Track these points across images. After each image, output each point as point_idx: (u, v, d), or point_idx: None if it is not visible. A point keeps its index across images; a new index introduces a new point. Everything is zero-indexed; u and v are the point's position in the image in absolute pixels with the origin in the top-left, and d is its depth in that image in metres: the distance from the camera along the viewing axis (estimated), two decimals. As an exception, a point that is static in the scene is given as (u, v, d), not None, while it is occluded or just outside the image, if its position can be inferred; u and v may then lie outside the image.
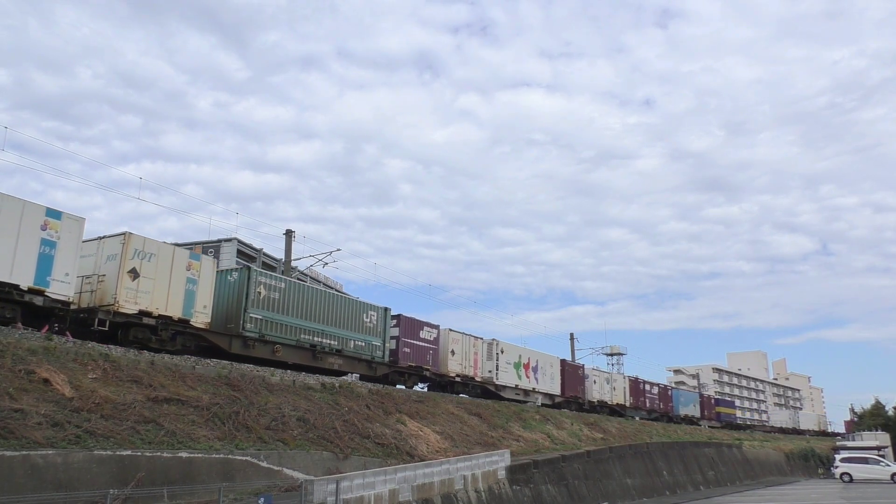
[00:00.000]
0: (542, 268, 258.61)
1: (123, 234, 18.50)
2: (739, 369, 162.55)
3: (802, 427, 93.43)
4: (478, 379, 34.00)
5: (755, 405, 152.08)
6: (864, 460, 46.94)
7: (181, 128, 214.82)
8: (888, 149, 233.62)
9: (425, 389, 30.89)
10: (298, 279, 32.38)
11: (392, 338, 28.52)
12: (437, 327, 31.62)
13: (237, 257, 47.12)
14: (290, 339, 23.09)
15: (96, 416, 13.24)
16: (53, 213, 16.76)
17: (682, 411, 60.04)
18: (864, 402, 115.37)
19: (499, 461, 22.56)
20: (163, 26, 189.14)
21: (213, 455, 14.19)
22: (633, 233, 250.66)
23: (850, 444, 65.23)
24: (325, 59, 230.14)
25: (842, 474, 46.43)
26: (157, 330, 19.06)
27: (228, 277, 22.16)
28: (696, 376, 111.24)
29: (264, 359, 21.99)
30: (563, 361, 42.67)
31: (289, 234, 32.90)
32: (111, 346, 17.06)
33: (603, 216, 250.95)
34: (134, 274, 18.42)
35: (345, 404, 21.13)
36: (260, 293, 22.12)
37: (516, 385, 36.71)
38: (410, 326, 29.84)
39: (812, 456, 67.57)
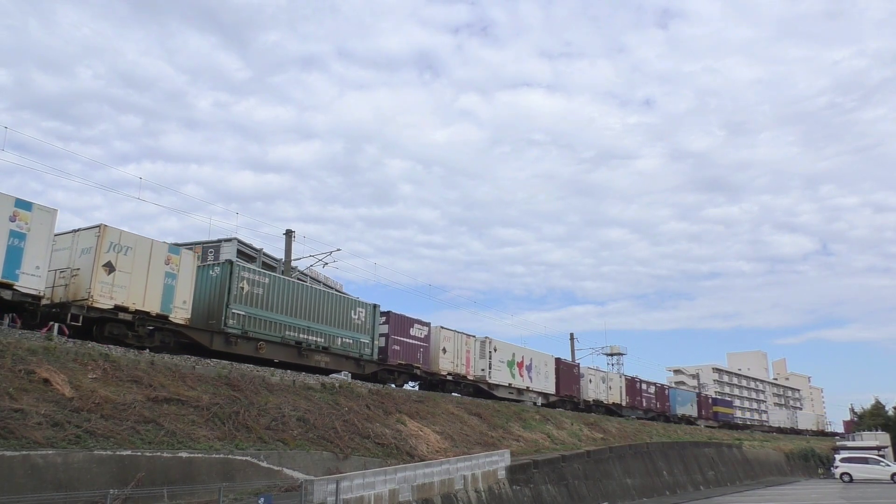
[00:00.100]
0: (542, 268, 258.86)
1: (98, 226, 17.88)
2: (739, 369, 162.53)
3: (801, 427, 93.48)
4: (470, 377, 33.53)
5: (755, 405, 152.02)
6: (864, 460, 46.94)
7: (181, 128, 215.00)
8: (888, 149, 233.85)
9: (416, 388, 30.52)
10: (299, 279, 32.38)
11: (381, 335, 28.04)
12: (427, 324, 31.10)
13: (237, 257, 47.10)
14: (275, 336, 22.57)
15: (96, 416, 13.24)
16: (23, 204, 16.09)
17: (680, 411, 59.93)
18: (864, 402, 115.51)
19: (499, 461, 22.55)
20: (163, 26, 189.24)
21: (213, 455, 14.19)
22: (633, 233, 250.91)
23: (850, 444, 65.21)
24: (326, 59, 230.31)
25: (842, 474, 46.43)
26: (134, 326, 18.46)
27: (210, 272, 21.62)
28: (696, 376, 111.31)
29: (247, 356, 21.47)
30: (557, 360, 42.25)
31: (289, 234, 32.90)
32: (111, 346, 17.03)
33: (603, 216, 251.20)
34: (109, 268, 17.84)
35: (345, 404, 21.13)
36: (243, 288, 21.54)
37: (510, 384, 36.26)
38: (400, 323, 29.36)
39: (812, 456, 67.57)
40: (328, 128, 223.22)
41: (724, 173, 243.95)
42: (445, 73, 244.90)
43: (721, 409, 73.15)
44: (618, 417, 45.72)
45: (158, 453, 13.16)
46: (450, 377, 32.02)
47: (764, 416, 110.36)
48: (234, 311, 21.16)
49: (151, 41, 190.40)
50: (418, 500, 17.81)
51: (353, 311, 26.31)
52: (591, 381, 46.20)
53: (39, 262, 16.35)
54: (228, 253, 45.84)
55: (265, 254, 50.79)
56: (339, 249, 36.41)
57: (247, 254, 49.11)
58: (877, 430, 75.37)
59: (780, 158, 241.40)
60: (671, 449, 40.47)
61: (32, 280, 16.15)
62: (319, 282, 51.40)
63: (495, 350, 35.25)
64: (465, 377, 33.15)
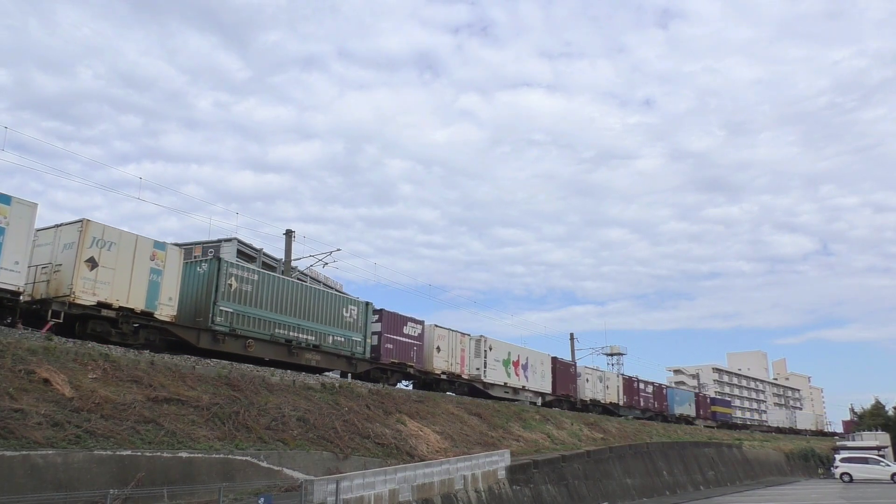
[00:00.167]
0: (542, 268, 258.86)
1: (81, 221, 17.56)
2: (739, 369, 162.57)
3: (799, 427, 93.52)
4: (465, 376, 33.13)
5: (755, 405, 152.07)
6: (864, 460, 46.92)
7: (181, 128, 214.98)
8: (888, 149, 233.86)
9: (410, 387, 30.26)
10: (299, 279, 32.37)
11: (374, 333, 27.66)
12: (421, 323, 30.69)
13: (237, 257, 47.10)
14: (264, 334, 22.25)
15: (96, 416, 13.24)
16: (2, 198, 15.85)
17: (678, 410, 59.79)
18: (864, 402, 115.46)
19: (499, 461, 22.55)
20: (163, 26, 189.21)
21: (213, 455, 14.19)
22: (634, 233, 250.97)
23: (850, 444, 65.19)
24: (326, 60, 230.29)
25: (842, 474, 46.41)
26: (118, 323, 18.15)
27: (197, 269, 21.28)
28: (696, 376, 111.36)
29: (236, 354, 21.24)
30: (554, 359, 41.92)
31: (289, 234, 32.90)
32: (111, 346, 17.03)
33: (603, 216, 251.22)
34: (92, 263, 17.48)
35: (345, 404, 21.13)
36: (231, 285, 21.19)
37: (505, 383, 35.84)
38: (393, 322, 28.94)
39: (812, 456, 67.57)
40: (328, 128, 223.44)
41: (724, 173, 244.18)
42: (445, 74, 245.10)
43: (719, 409, 73.10)
44: (616, 417, 45.67)
45: (158, 453, 13.15)
46: (444, 376, 31.66)
47: (764, 416, 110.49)
48: (221, 308, 20.83)
49: (151, 41, 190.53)
50: (418, 500, 17.81)
51: (344, 309, 25.97)
52: (588, 380, 45.94)
53: (19, 256, 16.05)
54: (228, 253, 45.83)
55: (265, 254, 50.82)
56: (339, 249, 36.41)
57: (247, 254, 49.13)
58: (877, 430, 75.33)
59: (780, 158, 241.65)
60: (671, 449, 40.47)
61: (11, 275, 15.86)
62: (319, 282, 51.41)
63: (490, 349, 34.80)
64: (459, 376, 32.76)
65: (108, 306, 17.90)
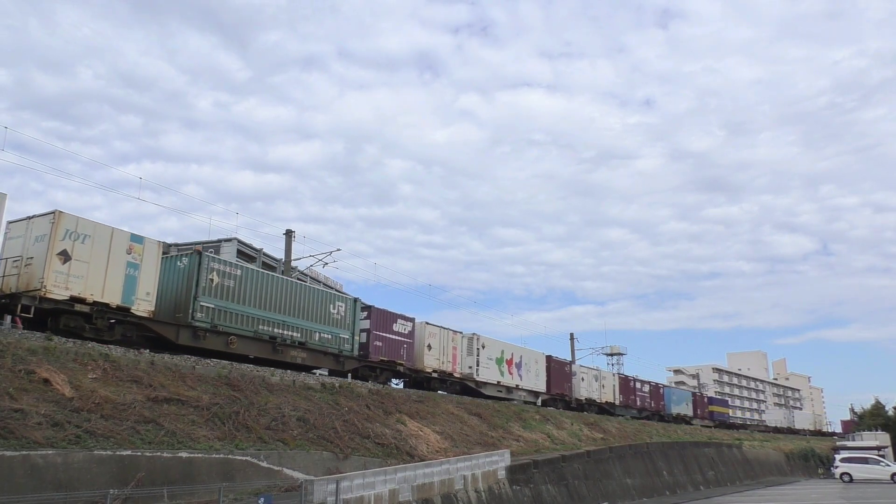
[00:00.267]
0: (542, 268, 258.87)
1: (53, 212, 17.02)
2: (739, 369, 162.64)
3: (797, 426, 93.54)
4: (456, 375, 32.65)
5: (755, 405, 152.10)
6: (864, 460, 46.93)
7: (181, 128, 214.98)
8: (888, 149, 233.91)
9: (400, 386, 29.93)
10: (299, 279, 32.37)
11: (362, 330, 27.06)
12: (412, 320, 30.09)
13: (237, 257, 47.10)
14: (247, 331, 21.65)
15: (96, 416, 13.24)
16: None
17: (675, 410, 59.60)
18: (864, 402, 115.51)
19: (499, 461, 22.55)
20: (163, 26, 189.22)
21: (213, 455, 14.20)
22: (634, 233, 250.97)
23: (850, 444, 65.22)
24: (326, 60, 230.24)
25: (842, 474, 46.43)
26: (92, 318, 17.57)
27: (177, 263, 20.67)
28: (696, 376, 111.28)
29: (218, 351, 20.69)
30: (548, 357, 41.50)
31: (289, 234, 32.90)
32: (111, 346, 17.03)
33: (603, 216, 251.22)
34: (65, 256, 16.87)
35: (345, 404, 21.14)
36: (212, 280, 20.58)
37: (498, 381, 35.40)
38: (382, 319, 28.40)
39: (812, 456, 67.60)
40: (328, 128, 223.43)
41: (724, 173, 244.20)
42: (445, 74, 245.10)
43: (717, 409, 73.01)
44: (615, 417, 45.61)
45: (158, 453, 13.16)
46: (435, 374, 31.13)
47: (763, 416, 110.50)
48: (202, 303, 20.20)
49: (151, 41, 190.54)
50: (418, 500, 17.82)
51: (331, 305, 25.41)
52: (583, 379, 45.60)
53: None
54: (228, 253, 45.82)
55: (265, 254, 50.80)
56: (339, 249, 36.37)
57: (247, 254, 49.13)
58: (877, 430, 75.37)
59: (780, 158, 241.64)
60: (671, 449, 40.48)
61: None
62: (319, 282, 51.42)
63: (483, 347, 34.27)
64: (451, 375, 32.27)
65: (81, 301, 17.23)
